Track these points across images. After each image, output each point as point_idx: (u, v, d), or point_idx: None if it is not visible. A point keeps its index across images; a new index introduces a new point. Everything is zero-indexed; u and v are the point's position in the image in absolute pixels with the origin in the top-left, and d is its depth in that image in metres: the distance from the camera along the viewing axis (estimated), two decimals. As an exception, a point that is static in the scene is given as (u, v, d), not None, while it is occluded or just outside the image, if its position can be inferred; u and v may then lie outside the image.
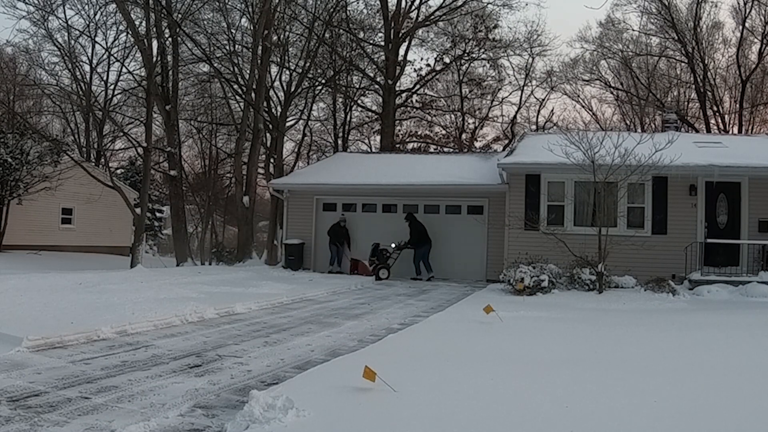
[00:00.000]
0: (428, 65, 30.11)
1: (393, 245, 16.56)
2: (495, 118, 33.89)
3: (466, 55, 29.89)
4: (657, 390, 4.88)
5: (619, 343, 7.25)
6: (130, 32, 21.67)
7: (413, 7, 28.04)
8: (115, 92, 30.02)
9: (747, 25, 28.87)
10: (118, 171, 33.94)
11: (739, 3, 28.64)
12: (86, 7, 24.54)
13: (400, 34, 27.54)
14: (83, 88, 23.61)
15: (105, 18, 25.88)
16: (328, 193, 18.17)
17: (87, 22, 25.29)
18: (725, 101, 31.30)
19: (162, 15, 20.70)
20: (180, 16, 21.95)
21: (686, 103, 32.54)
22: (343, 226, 17.68)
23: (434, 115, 32.98)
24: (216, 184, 37.51)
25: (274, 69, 26.46)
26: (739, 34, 29.14)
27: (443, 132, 33.75)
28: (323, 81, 28.39)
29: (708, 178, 14.03)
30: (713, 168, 13.61)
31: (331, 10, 25.80)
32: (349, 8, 27.58)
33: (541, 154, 14.56)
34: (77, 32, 23.95)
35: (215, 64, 23.93)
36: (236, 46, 25.12)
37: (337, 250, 17.65)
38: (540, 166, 14.79)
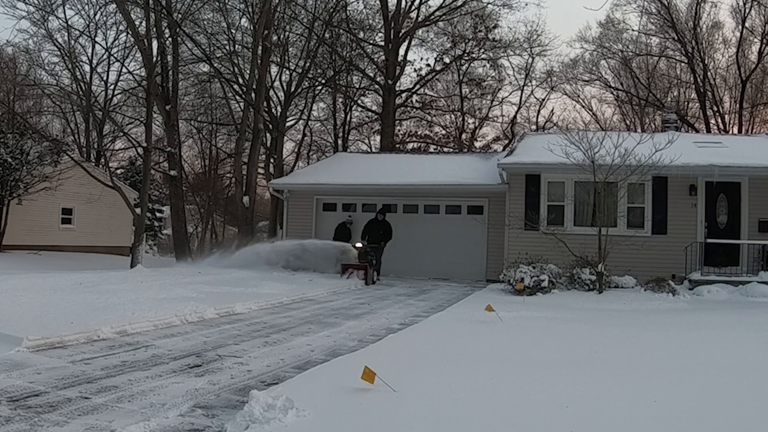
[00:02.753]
0: (428, 65, 30.15)
1: (373, 244, 15.94)
2: (495, 118, 33.95)
3: (466, 55, 29.90)
4: (657, 390, 4.88)
5: (619, 343, 7.25)
6: (130, 32, 21.66)
7: (413, 7, 28.07)
8: (115, 92, 30.04)
9: (747, 25, 28.92)
10: (118, 171, 33.92)
11: (739, 3, 28.69)
12: (86, 7, 24.56)
13: (400, 34, 27.55)
14: (83, 88, 23.57)
15: (105, 18, 25.90)
16: (328, 193, 18.17)
17: (87, 22, 25.28)
18: (725, 101, 31.36)
19: (162, 15, 20.69)
20: (180, 16, 21.95)
21: (686, 103, 32.56)
22: (348, 228, 17.35)
23: (434, 115, 33.00)
24: (216, 184, 37.53)
25: (274, 69, 26.49)
26: (738, 34, 29.19)
27: (443, 132, 33.79)
28: (323, 81, 28.40)
29: (708, 178, 14.03)
30: (713, 168, 13.61)
31: (331, 10, 25.81)
32: (349, 8, 27.62)
33: (541, 154, 14.56)
34: (77, 32, 23.93)
35: (215, 64, 23.94)
36: (236, 46, 25.15)
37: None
38: (540, 166, 14.79)
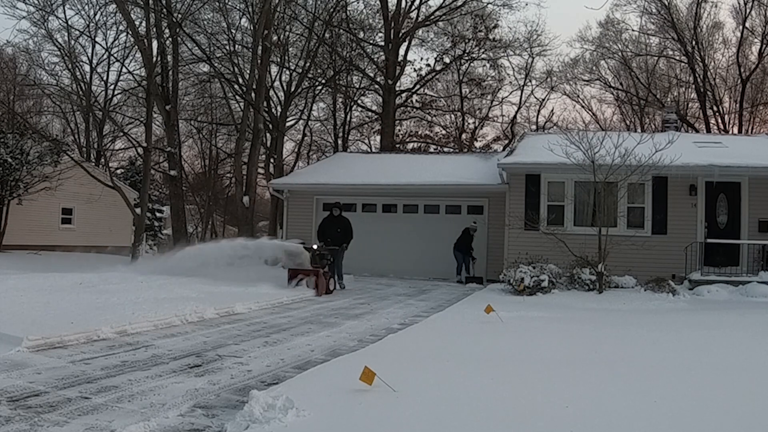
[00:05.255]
0: (428, 65, 30.18)
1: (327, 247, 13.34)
2: (495, 118, 33.99)
3: (466, 55, 29.93)
4: (657, 390, 4.88)
5: (619, 343, 7.25)
6: (130, 32, 21.66)
7: (413, 7, 28.09)
8: (115, 92, 30.03)
9: (747, 25, 28.94)
10: (118, 171, 33.93)
11: (739, 3, 28.72)
12: (86, 7, 24.56)
13: (400, 34, 27.56)
14: (83, 88, 23.58)
15: (105, 18, 25.88)
16: (328, 193, 18.17)
17: (87, 22, 25.28)
18: (725, 101, 31.39)
19: (162, 15, 20.69)
20: (180, 16, 21.93)
21: (686, 103, 32.57)
22: (471, 234, 16.07)
23: (434, 115, 33.02)
24: (216, 184, 37.55)
25: (274, 69, 26.49)
26: (739, 34, 29.22)
27: (443, 132, 33.81)
28: (323, 81, 28.42)
29: (708, 178, 14.02)
30: (713, 168, 13.61)
31: (331, 10, 25.83)
32: (349, 8, 27.66)
33: (541, 154, 14.56)
34: (77, 32, 23.92)
35: (215, 64, 23.93)
36: (236, 46, 25.14)
37: (464, 258, 16.11)
38: (540, 166, 14.79)
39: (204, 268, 12.77)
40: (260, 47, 21.65)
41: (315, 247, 13.04)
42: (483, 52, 30.13)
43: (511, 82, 32.52)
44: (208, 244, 14.91)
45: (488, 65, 31.62)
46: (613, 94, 33.96)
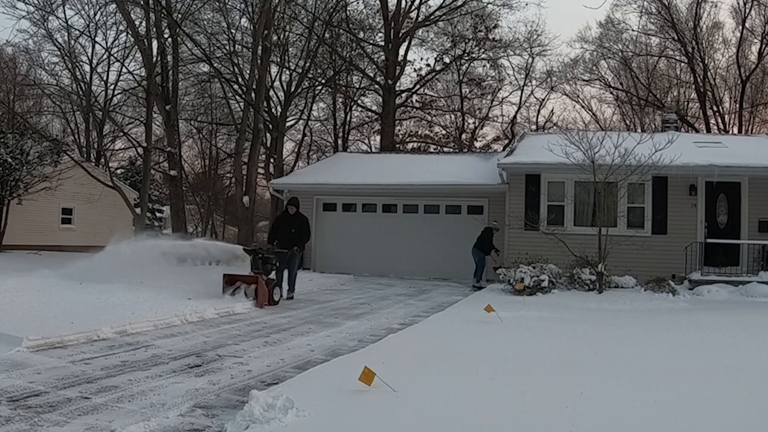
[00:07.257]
0: (428, 65, 30.18)
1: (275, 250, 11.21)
2: (495, 118, 33.99)
3: (466, 55, 29.93)
4: (657, 390, 4.87)
5: (619, 343, 7.25)
6: (130, 32, 21.66)
7: (413, 7, 28.09)
8: (115, 92, 30.00)
9: (747, 25, 28.92)
10: (118, 171, 33.90)
11: (739, 3, 28.71)
12: (86, 7, 24.50)
13: (400, 34, 27.57)
14: (83, 88, 23.56)
15: (105, 18, 25.83)
16: (328, 193, 18.17)
17: (87, 22, 25.23)
18: (725, 101, 31.38)
19: (162, 15, 20.69)
20: (180, 16, 21.93)
21: (686, 103, 32.56)
22: (492, 234, 14.86)
23: (434, 115, 33.01)
24: (216, 184, 37.53)
25: (274, 69, 26.49)
26: (739, 34, 29.21)
27: (443, 132, 33.80)
28: (323, 81, 28.43)
29: (708, 178, 14.03)
30: (713, 168, 13.61)
31: (331, 10, 25.82)
32: (349, 8, 27.65)
33: (541, 154, 14.56)
34: (77, 32, 23.88)
35: (215, 64, 23.92)
36: (236, 46, 25.15)
37: (484, 260, 14.82)
38: (540, 166, 14.79)
39: (126, 271, 11.06)
40: (260, 47, 21.65)
41: (257, 249, 11.09)
42: (483, 52, 30.15)
43: (511, 82, 32.57)
44: (137, 243, 12.81)
45: (488, 65, 31.67)
46: (613, 94, 33.96)
